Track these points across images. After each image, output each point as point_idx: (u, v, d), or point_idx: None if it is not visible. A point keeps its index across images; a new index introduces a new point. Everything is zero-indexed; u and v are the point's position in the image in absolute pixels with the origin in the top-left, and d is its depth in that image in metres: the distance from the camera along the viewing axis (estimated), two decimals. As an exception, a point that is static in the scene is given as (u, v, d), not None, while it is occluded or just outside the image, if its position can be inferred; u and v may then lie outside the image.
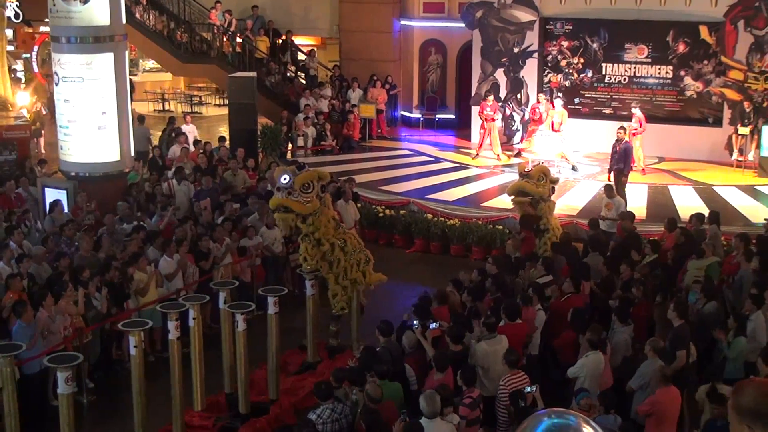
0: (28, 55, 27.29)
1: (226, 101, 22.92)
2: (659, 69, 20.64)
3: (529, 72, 21.55)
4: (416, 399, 7.92)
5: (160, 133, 20.70)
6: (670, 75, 20.58)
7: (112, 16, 15.34)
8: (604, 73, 21.15)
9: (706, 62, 20.21)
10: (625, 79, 21.00)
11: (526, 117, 21.12)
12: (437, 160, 20.61)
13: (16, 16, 22.65)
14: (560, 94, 20.86)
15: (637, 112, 19.10)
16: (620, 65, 20.95)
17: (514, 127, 21.82)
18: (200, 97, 31.00)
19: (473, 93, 22.01)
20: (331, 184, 14.06)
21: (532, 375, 8.85)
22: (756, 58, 19.58)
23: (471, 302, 10.52)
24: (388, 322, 9.83)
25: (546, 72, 21.64)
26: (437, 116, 23.97)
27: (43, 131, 22.02)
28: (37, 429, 9.83)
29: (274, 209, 11.13)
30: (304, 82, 23.98)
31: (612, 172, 16.85)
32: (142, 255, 12.20)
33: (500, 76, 21.75)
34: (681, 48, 20.36)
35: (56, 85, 15.76)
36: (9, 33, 25.35)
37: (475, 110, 21.46)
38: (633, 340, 9.86)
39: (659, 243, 12.71)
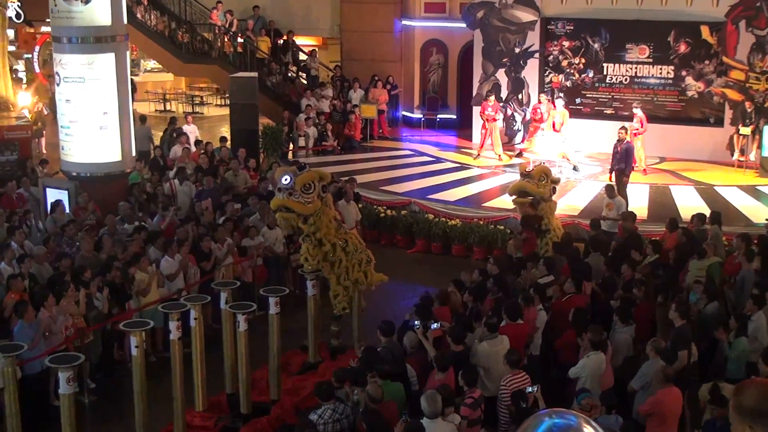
0: (30, 56, 27.31)
1: (228, 101, 22.93)
2: (660, 69, 20.64)
3: (531, 72, 21.55)
4: (417, 399, 7.92)
5: (161, 134, 20.72)
6: (672, 75, 20.57)
7: (113, 17, 15.35)
8: (605, 73, 21.14)
9: (707, 62, 20.21)
10: (626, 80, 20.99)
11: (528, 117, 21.11)
12: (438, 160, 20.61)
13: (18, 16, 22.69)
14: (561, 95, 20.86)
15: (638, 112, 19.09)
16: (621, 65, 20.95)
17: (516, 128, 21.83)
18: (201, 97, 31.02)
19: (474, 93, 22.02)
20: (332, 185, 14.06)
21: (533, 375, 8.84)
22: (757, 58, 19.58)
23: (472, 302, 10.52)
24: (390, 322, 9.83)
25: (547, 72, 21.64)
26: (438, 116, 23.97)
27: (44, 131, 22.03)
28: (38, 429, 9.83)
29: (275, 210, 11.14)
30: (305, 82, 23.99)
31: (613, 173, 16.84)
32: (143, 255, 12.20)
33: (501, 76, 21.75)
34: (682, 48, 20.36)
35: (58, 85, 15.77)
36: (10, 33, 25.37)
37: (476, 110, 21.47)
38: (634, 340, 9.85)
39: (660, 243, 12.70)
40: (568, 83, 21.43)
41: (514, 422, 8.04)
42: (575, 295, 10.59)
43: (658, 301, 10.49)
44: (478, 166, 19.94)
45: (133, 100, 17.81)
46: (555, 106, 19.68)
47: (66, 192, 15.02)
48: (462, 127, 23.27)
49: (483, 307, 10.32)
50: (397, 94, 23.89)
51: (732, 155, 19.68)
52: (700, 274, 11.36)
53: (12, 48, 26.10)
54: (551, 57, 21.54)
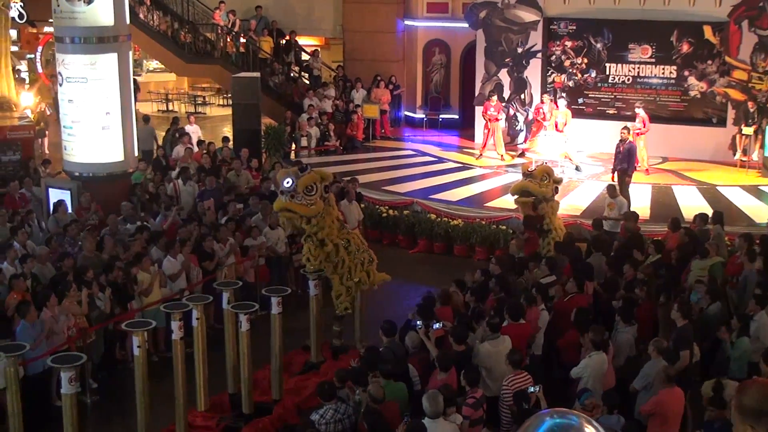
0: (32, 56, 27.30)
1: (230, 101, 22.93)
2: (663, 69, 20.63)
3: (533, 72, 21.54)
4: (419, 399, 7.92)
5: (164, 134, 20.74)
6: (674, 75, 20.56)
7: (116, 17, 15.36)
8: (607, 73, 21.13)
9: (710, 62, 20.19)
10: (628, 79, 20.98)
11: (530, 117, 21.11)
12: (441, 160, 20.61)
13: (21, 16, 22.67)
14: (564, 94, 20.85)
15: (640, 112, 19.09)
16: (624, 65, 20.94)
17: (518, 127, 21.82)
18: (204, 97, 31.02)
19: (477, 93, 22.01)
20: (334, 185, 14.06)
21: (535, 375, 8.83)
22: (760, 58, 19.56)
23: (474, 302, 10.52)
24: (392, 322, 9.84)
25: (550, 72, 21.63)
26: (441, 116, 23.97)
27: (47, 131, 22.05)
28: (40, 429, 9.84)
29: (278, 212, 11.16)
30: (307, 82, 23.99)
31: (616, 172, 16.84)
32: (145, 255, 12.21)
33: (504, 76, 21.74)
34: (685, 48, 20.34)
35: (60, 85, 15.78)
36: (13, 33, 25.36)
37: (478, 110, 21.48)
38: (636, 340, 9.85)
39: (663, 243, 12.70)
40: (571, 83, 21.42)
41: (515, 422, 8.04)
42: (577, 295, 10.58)
43: (660, 301, 10.48)
44: (481, 166, 19.93)
45: (136, 100, 17.82)
46: (557, 106, 19.68)
47: (68, 192, 15.04)
48: (464, 127, 23.26)
49: (485, 307, 10.32)
50: (400, 94, 23.90)
51: (734, 155, 19.66)
52: (702, 274, 11.35)
53: (15, 48, 26.12)
54: (554, 57, 21.54)
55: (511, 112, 21.72)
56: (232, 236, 13.37)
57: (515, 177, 16.77)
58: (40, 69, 26.79)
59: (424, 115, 24.11)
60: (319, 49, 25.61)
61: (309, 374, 11.08)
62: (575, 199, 17.19)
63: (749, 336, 9.71)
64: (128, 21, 16.16)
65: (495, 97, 20.64)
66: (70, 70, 15.36)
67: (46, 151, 21.47)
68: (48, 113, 22.90)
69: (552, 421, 3.47)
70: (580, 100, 21.33)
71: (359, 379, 8.51)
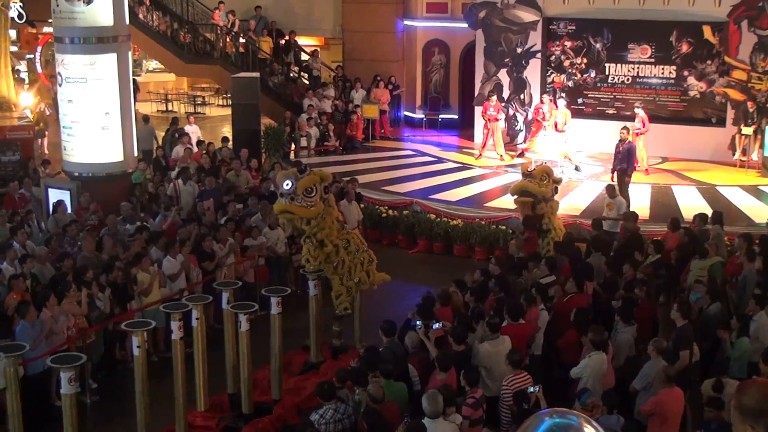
0: (32, 56, 27.31)
1: (229, 102, 22.93)
2: (662, 69, 20.63)
3: (533, 72, 21.55)
4: (419, 399, 7.92)
5: (163, 134, 20.73)
6: (674, 75, 20.56)
7: (115, 17, 15.36)
8: (607, 73, 21.14)
9: (709, 62, 20.19)
10: (628, 79, 20.98)
11: (530, 117, 21.12)
12: (440, 160, 20.61)
13: (20, 16, 22.67)
14: (563, 94, 20.85)
15: (640, 112, 19.09)
16: (623, 65, 20.94)
17: (518, 128, 21.82)
18: (203, 97, 31.03)
19: (476, 93, 22.02)
20: (334, 185, 14.05)
21: (535, 375, 8.84)
22: (759, 58, 19.57)
23: (474, 302, 10.52)
24: (391, 322, 9.84)
25: (549, 72, 21.63)
26: (440, 116, 23.97)
27: (47, 132, 22.05)
28: (40, 429, 9.84)
29: (278, 215, 11.17)
30: (307, 82, 23.99)
31: (615, 173, 16.84)
32: (145, 255, 12.21)
33: (503, 76, 21.75)
34: (684, 48, 20.34)
35: (60, 85, 15.78)
36: (12, 33, 25.37)
37: (478, 110, 21.48)
38: (636, 340, 9.85)
39: (662, 243, 12.70)
40: (570, 83, 21.42)
41: (515, 422, 8.04)
42: (577, 295, 10.58)
43: (659, 301, 10.48)
44: (480, 166, 19.94)
45: (135, 101, 17.81)
46: (557, 106, 19.69)
47: (68, 192, 15.04)
48: (464, 127, 23.27)
49: (484, 307, 10.32)
50: (399, 94, 23.90)
51: (734, 155, 19.67)
52: (701, 274, 11.35)
53: (14, 48, 26.13)
54: (553, 57, 21.54)
55: (511, 112, 21.73)
56: (232, 236, 13.37)
57: (515, 177, 16.77)
58: (39, 69, 26.79)
59: (423, 115, 24.11)
60: (319, 50, 25.61)
61: (309, 374, 11.08)
62: (575, 199, 17.20)
63: (749, 336, 9.71)
64: (128, 21, 16.16)
65: (494, 97, 20.65)
66: (69, 71, 15.35)
67: (46, 152, 21.48)
68: (47, 113, 22.89)
69: (551, 421, 3.47)
70: (580, 100, 21.34)
71: (359, 379, 8.51)
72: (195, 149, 18.24)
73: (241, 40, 23.49)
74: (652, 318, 10.43)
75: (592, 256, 12.25)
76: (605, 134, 19.77)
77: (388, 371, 8.59)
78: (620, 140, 16.83)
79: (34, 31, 27.50)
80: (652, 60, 20.65)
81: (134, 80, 18.72)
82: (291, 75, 24.04)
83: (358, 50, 24.09)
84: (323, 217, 10.78)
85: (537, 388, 8.26)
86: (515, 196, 13.64)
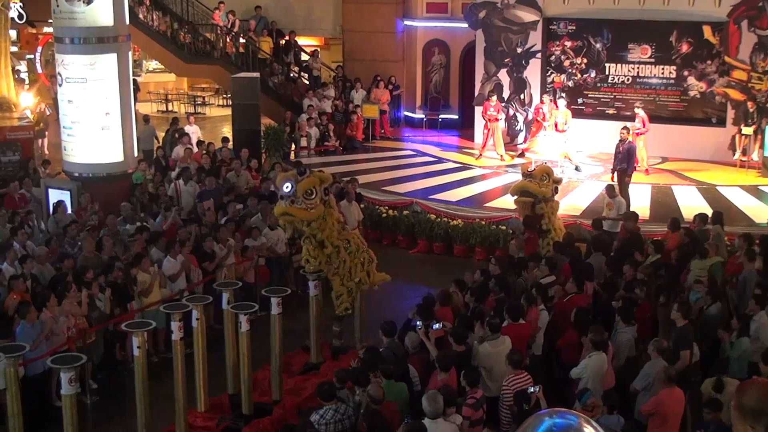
0: (32, 56, 27.30)
1: (230, 102, 22.92)
2: (662, 69, 20.62)
3: (533, 72, 21.54)
4: (419, 399, 7.92)
5: (163, 134, 20.73)
6: (674, 75, 20.55)
7: (115, 17, 15.37)
8: (607, 73, 21.13)
9: (709, 62, 20.18)
10: (628, 79, 20.98)
11: (530, 117, 21.12)
12: (440, 160, 20.61)
13: (20, 16, 22.67)
14: (563, 95, 20.84)
15: (640, 112, 19.09)
16: (623, 65, 20.93)
17: (518, 128, 21.82)
18: (203, 97, 31.02)
19: (476, 93, 22.01)
20: (334, 185, 14.05)
21: (535, 375, 8.83)
22: (759, 58, 19.56)
23: (474, 303, 10.52)
24: (392, 323, 9.84)
25: (549, 72, 21.63)
26: (440, 116, 23.97)
27: (47, 132, 22.05)
28: (40, 429, 9.84)
29: (278, 217, 11.16)
30: (307, 82, 23.99)
31: (615, 173, 16.84)
32: (145, 256, 12.21)
33: (503, 76, 21.75)
34: (684, 48, 20.34)
35: (60, 85, 15.78)
36: (13, 34, 25.37)
37: (478, 110, 21.47)
38: (636, 340, 9.85)
39: (662, 243, 12.70)
40: (570, 83, 21.42)
41: (515, 422, 8.03)
42: (577, 295, 10.59)
43: (660, 301, 10.48)
44: (480, 167, 19.94)
45: (135, 101, 17.81)
46: (557, 106, 19.68)
47: (68, 192, 15.05)
48: (464, 127, 23.27)
49: (485, 307, 10.32)
50: (399, 94, 23.89)
51: (734, 155, 19.66)
52: (702, 274, 11.35)
53: (14, 48, 26.12)
54: (553, 57, 21.54)
55: (511, 112, 21.73)
56: (232, 237, 13.36)
57: (515, 177, 16.77)
58: (39, 69, 26.78)
59: (423, 116, 24.11)
60: (319, 50, 25.61)
61: (309, 375, 11.08)
62: (575, 199, 17.20)
63: (749, 336, 9.70)
64: (128, 21, 16.17)
65: (494, 98, 20.64)
66: (69, 71, 15.36)
67: (46, 152, 21.47)
68: (48, 113, 22.89)
69: (551, 421, 3.47)
70: (580, 100, 21.33)
71: (359, 379, 8.51)
72: (195, 149, 18.24)
73: (241, 40, 23.50)
74: (653, 318, 10.43)
75: (592, 256, 12.25)
76: (605, 134, 19.77)
77: (388, 371, 8.59)
78: (620, 140, 16.83)
79: (34, 31, 27.49)
80: (652, 60, 20.64)
81: (134, 80, 18.71)
82: (291, 75, 24.04)
83: (358, 50, 24.09)
84: (324, 218, 10.77)
85: (537, 389, 8.25)
86: (515, 196, 13.65)
